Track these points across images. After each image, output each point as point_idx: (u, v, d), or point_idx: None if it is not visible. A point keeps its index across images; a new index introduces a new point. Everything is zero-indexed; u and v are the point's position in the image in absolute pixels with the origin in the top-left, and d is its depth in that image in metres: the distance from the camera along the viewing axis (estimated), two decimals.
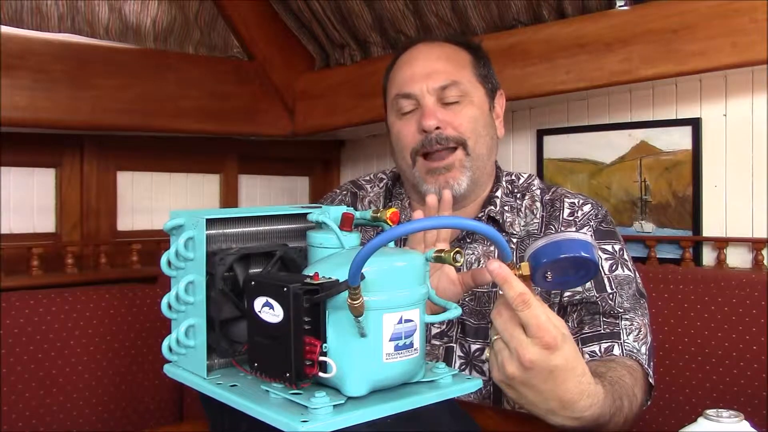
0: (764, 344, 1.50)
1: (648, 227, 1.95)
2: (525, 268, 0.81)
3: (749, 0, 1.59)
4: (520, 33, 1.95)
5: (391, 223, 0.82)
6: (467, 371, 1.21)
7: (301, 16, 2.34)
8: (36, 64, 1.87)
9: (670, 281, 1.65)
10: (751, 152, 1.80)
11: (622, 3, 1.79)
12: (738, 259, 1.82)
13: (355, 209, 1.37)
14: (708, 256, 1.87)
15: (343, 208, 0.79)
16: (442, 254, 0.77)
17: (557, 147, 2.12)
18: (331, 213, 0.78)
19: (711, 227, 1.86)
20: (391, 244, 0.69)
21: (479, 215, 1.30)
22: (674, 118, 1.92)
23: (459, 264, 0.77)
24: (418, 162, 1.28)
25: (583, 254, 0.80)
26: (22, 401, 1.64)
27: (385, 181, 1.43)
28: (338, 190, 1.46)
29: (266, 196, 2.67)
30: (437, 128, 1.25)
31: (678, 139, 1.89)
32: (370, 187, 1.43)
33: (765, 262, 1.75)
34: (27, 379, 1.65)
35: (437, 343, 1.24)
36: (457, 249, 0.76)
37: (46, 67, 1.89)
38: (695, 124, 1.87)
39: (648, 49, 1.73)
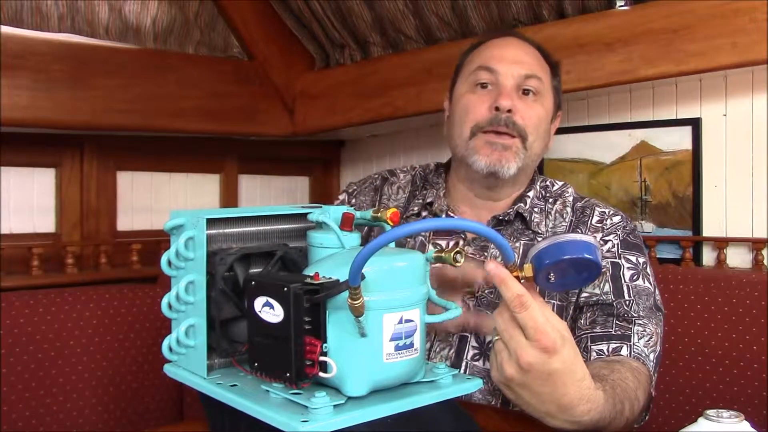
0: (764, 344, 1.50)
1: (648, 227, 1.95)
2: (528, 270, 0.81)
3: (749, 0, 1.59)
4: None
5: (391, 224, 0.82)
6: (481, 362, 1.22)
7: (301, 16, 2.34)
8: (36, 64, 1.87)
9: (670, 281, 1.65)
10: (751, 152, 1.80)
11: (622, 3, 1.79)
12: (738, 259, 1.82)
13: (382, 193, 1.40)
14: (708, 256, 1.87)
15: (344, 208, 0.79)
16: (443, 254, 0.76)
17: (557, 147, 2.12)
18: (331, 213, 0.78)
19: (711, 227, 1.86)
20: (392, 244, 0.69)
21: (509, 211, 1.31)
22: (674, 118, 1.92)
23: (459, 264, 0.77)
24: (477, 135, 1.29)
25: (585, 255, 0.79)
26: (22, 401, 1.63)
27: (416, 169, 1.46)
28: (371, 175, 1.49)
29: (266, 196, 2.67)
30: (509, 111, 1.27)
31: (678, 139, 1.89)
32: (403, 175, 1.45)
33: (765, 262, 1.75)
34: (27, 379, 1.65)
35: (453, 330, 1.24)
36: (458, 249, 0.76)
37: (46, 67, 1.89)
38: (695, 124, 1.86)
39: (648, 49, 1.73)
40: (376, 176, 1.47)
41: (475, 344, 1.22)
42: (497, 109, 1.27)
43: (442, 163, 1.47)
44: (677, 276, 1.65)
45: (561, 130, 2.11)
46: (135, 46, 2.13)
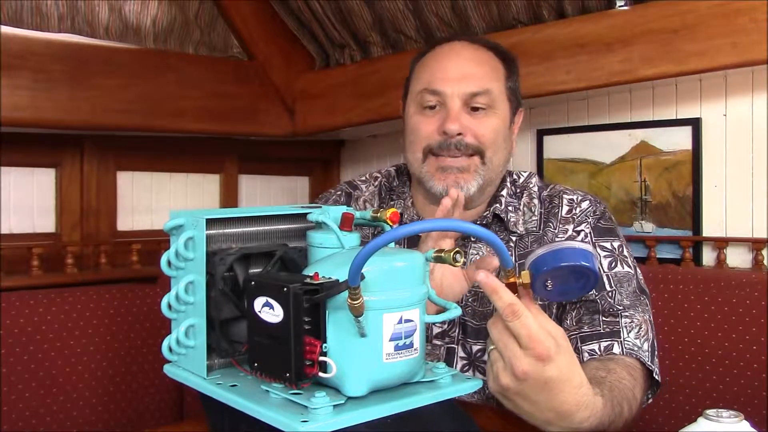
0: (764, 344, 1.50)
1: (648, 227, 1.95)
2: (525, 277, 0.81)
3: (749, 0, 1.59)
4: (520, 33, 1.95)
5: (391, 224, 0.82)
6: (470, 372, 1.21)
7: (301, 16, 2.34)
8: (36, 64, 1.87)
9: (670, 281, 1.65)
10: (751, 152, 1.80)
11: (622, 3, 1.79)
12: (738, 259, 1.82)
13: None
14: (708, 256, 1.87)
15: (343, 208, 0.79)
16: (442, 254, 0.76)
17: (557, 147, 2.12)
18: (331, 213, 0.78)
19: (711, 227, 1.86)
20: (391, 244, 0.69)
21: (485, 213, 1.29)
22: (674, 118, 1.92)
23: (459, 264, 0.76)
24: (429, 159, 1.25)
25: (583, 263, 0.79)
26: (22, 401, 1.63)
27: (379, 179, 1.41)
28: (333, 190, 1.44)
29: (266, 196, 2.67)
30: (459, 134, 1.22)
31: (678, 139, 1.89)
32: (365, 187, 1.41)
33: (765, 262, 1.75)
34: (27, 379, 1.65)
35: (438, 343, 1.23)
36: (457, 249, 0.75)
37: (46, 67, 1.89)
38: (695, 124, 1.86)
39: (648, 49, 1.73)
40: (339, 192, 1.41)
41: (463, 355, 1.22)
42: (446, 133, 1.23)
43: (403, 167, 1.42)
44: (677, 276, 1.65)
45: (561, 130, 2.13)
46: (135, 46, 2.13)
